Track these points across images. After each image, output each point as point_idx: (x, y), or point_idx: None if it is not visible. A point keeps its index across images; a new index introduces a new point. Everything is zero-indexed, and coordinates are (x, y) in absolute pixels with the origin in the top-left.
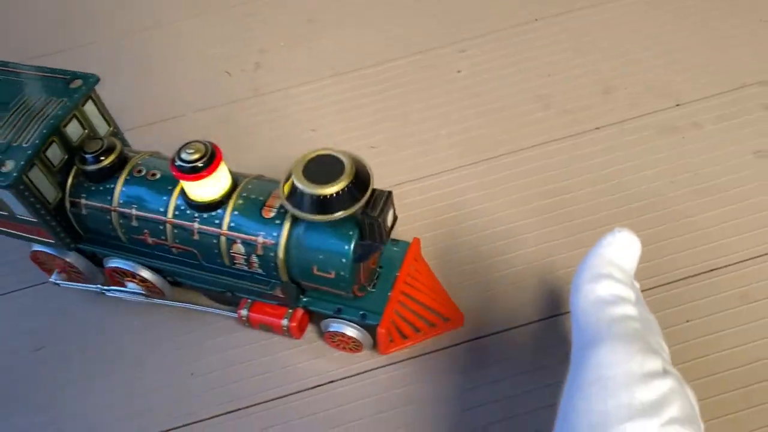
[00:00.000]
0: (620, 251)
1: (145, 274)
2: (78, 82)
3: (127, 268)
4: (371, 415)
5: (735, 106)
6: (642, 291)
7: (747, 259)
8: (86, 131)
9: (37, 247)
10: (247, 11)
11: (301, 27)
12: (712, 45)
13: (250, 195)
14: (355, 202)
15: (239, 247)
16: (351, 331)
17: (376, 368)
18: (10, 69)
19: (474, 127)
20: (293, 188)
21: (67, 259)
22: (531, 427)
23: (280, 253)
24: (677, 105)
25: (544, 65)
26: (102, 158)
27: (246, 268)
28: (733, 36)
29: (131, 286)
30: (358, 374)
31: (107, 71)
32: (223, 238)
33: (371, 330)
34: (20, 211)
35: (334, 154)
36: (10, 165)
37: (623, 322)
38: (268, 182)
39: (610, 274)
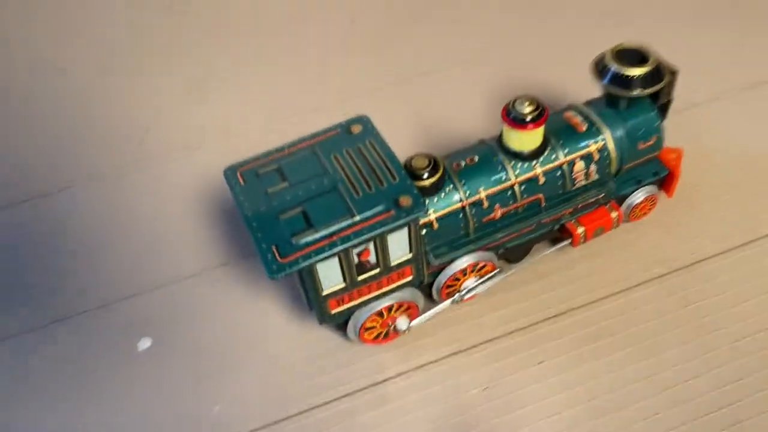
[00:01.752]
0: None
1: (486, 257)
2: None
3: (475, 259)
4: None
5: None
6: None
7: None
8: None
9: (391, 301)
10: None
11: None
12: None
13: (554, 128)
14: (659, 81)
15: (580, 164)
16: (644, 193)
17: None
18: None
19: None
20: (612, 78)
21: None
22: None
23: (611, 146)
24: None
25: None
26: (434, 170)
27: (584, 182)
28: None
29: (469, 282)
30: None
31: None
32: (565, 166)
33: (668, 179)
34: (401, 250)
35: (633, 46)
36: (408, 200)
37: None
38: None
39: None
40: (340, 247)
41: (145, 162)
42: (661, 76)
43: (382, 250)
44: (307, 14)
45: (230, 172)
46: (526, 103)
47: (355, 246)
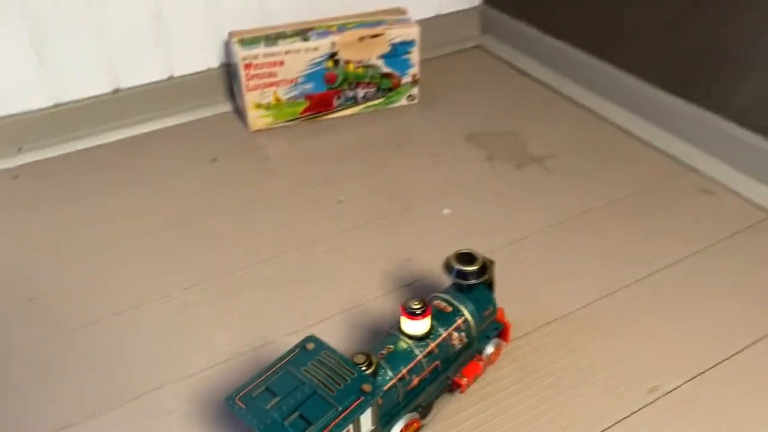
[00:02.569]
0: None
1: (413, 416)
2: None
3: (407, 420)
4: None
5: None
6: None
7: None
8: None
9: None
10: None
11: None
12: None
13: (433, 314)
14: (485, 272)
15: (455, 334)
16: (493, 344)
17: None
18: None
19: None
20: (457, 273)
21: None
22: None
23: (469, 318)
24: None
25: None
26: (370, 364)
27: (459, 346)
28: None
29: None
30: None
31: None
32: (447, 338)
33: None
34: (366, 427)
35: (468, 252)
36: (368, 386)
37: None
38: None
39: None
40: None
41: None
42: (486, 268)
43: (358, 428)
44: None
45: (231, 401)
46: (416, 302)
47: (344, 428)
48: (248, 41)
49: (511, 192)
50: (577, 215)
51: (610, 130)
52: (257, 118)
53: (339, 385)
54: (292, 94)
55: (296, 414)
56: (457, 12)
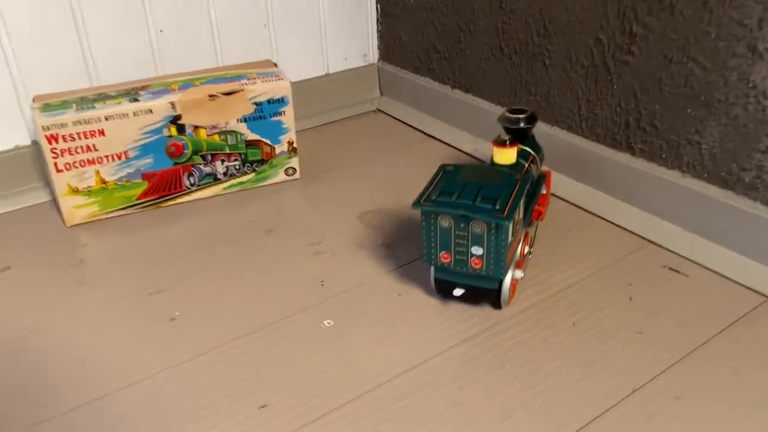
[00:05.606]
0: None
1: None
2: None
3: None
4: None
5: None
6: None
7: None
8: None
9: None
10: None
11: None
12: None
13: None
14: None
15: (533, 166)
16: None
17: None
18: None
19: None
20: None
21: None
22: None
23: (537, 158)
24: None
25: None
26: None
27: (535, 177)
28: None
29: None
30: None
31: None
32: (530, 168)
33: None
34: None
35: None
36: None
37: None
38: None
39: None
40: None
41: None
42: (534, 116)
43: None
44: None
45: (418, 204)
46: (505, 137)
47: (519, 202)
48: (54, 106)
49: (413, 296)
50: (531, 305)
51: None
52: (74, 209)
53: (497, 179)
54: (123, 173)
55: (479, 198)
56: (354, 69)
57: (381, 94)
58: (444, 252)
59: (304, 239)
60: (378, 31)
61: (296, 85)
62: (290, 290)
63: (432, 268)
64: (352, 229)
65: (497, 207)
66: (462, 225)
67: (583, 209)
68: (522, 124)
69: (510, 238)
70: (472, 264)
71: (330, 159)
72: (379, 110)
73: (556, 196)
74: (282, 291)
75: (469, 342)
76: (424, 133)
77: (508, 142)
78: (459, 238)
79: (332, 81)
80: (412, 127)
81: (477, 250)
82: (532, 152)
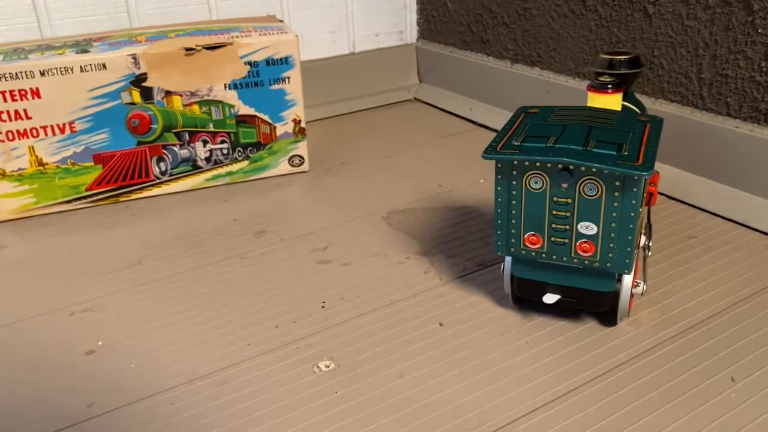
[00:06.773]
0: None
1: None
2: None
3: None
4: None
5: None
6: None
7: None
8: None
9: None
10: None
11: None
12: None
13: None
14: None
15: None
16: None
17: None
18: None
19: None
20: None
21: None
22: None
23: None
24: None
25: None
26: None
27: None
28: None
29: None
30: None
31: None
32: None
33: None
34: None
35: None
36: None
37: None
38: None
39: None
40: None
41: None
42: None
43: None
44: None
45: (491, 153)
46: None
47: (656, 148)
48: None
49: (463, 326)
50: None
51: None
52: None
53: (610, 120)
54: (67, 152)
55: (593, 141)
56: (387, 49)
57: (420, 80)
58: (531, 233)
59: (305, 244)
60: (418, 2)
61: (311, 65)
62: (276, 316)
63: (507, 260)
64: (375, 233)
65: (625, 152)
66: (564, 186)
67: (707, 211)
68: (623, 68)
69: (640, 209)
70: (579, 250)
71: (350, 150)
72: (416, 99)
73: (663, 194)
74: (263, 315)
75: (568, 398)
76: (473, 122)
77: (610, 86)
78: (558, 207)
79: (358, 62)
80: (458, 116)
81: (588, 228)
82: (637, 110)
